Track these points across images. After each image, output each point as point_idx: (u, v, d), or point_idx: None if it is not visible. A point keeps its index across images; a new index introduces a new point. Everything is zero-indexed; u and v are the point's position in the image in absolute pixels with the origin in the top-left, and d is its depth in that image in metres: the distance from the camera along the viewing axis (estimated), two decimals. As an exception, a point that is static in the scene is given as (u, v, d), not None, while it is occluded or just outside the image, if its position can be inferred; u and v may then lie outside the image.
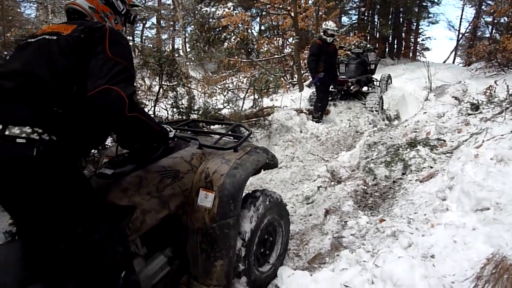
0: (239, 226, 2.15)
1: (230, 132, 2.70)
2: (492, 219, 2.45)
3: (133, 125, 1.51)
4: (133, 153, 1.96)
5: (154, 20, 26.36)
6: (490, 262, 2.14)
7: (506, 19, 12.02)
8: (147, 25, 26.95)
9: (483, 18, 19.89)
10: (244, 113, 5.79)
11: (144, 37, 26.66)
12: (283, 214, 2.59)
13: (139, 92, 4.87)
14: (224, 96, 5.81)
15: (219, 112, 5.27)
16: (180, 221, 2.08)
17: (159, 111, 4.57)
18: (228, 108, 5.41)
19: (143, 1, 25.66)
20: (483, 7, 19.47)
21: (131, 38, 25.79)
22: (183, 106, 4.59)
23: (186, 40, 20.84)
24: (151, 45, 24.70)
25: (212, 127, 4.28)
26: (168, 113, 4.58)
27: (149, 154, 1.98)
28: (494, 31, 21.12)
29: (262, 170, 2.50)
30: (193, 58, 17.76)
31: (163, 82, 4.58)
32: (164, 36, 26.23)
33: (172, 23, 24.46)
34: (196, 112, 4.71)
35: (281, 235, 2.60)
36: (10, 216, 1.72)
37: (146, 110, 4.58)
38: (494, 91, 5.30)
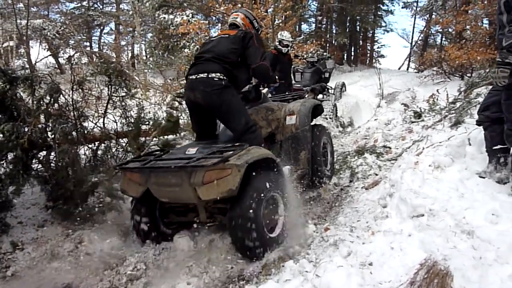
0: (311, 134, 3.93)
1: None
2: (426, 225, 2.57)
3: (270, 76, 3.53)
4: (252, 98, 3.92)
5: (113, 25, 25.83)
6: (423, 267, 2.24)
7: (453, 27, 12.67)
8: (105, 31, 26.35)
9: (432, 28, 20.91)
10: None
11: (102, 43, 26.08)
12: (331, 138, 4.54)
13: (87, 103, 4.73)
14: (178, 106, 5.75)
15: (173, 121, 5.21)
16: (275, 137, 3.90)
17: (108, 123, 4.46)
18: (182, 119, 5.36)
19: (101, 6, 25.15)
20: (433, 16, 20.51)
21: (88, 44, 25.20)
22: (132, 117, 4.50)
23: (145, 46, 20.53)
24: (109, 52, 24.33)
25: None
26: (117, 125, 4.48)
27: (258, 100, 3.96)
28: (443, 39, 22.34)
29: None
30: (151, 66, 17.54)
31: (112, 93, 4.47)
32: (123, 43, 25.75)
33: (131, 29, 24.00)
34: (146, 123, 4.64)
35: (331, 150, 4.41)
36: (200, 118, 3.44)
37: (94, 121, 4.49)
38: (437, 99, 5.59)
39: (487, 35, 10.03)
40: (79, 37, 21.05)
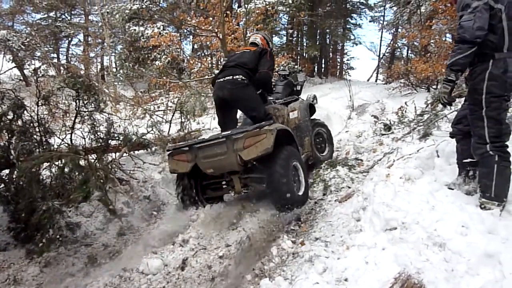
0: (310, 124, 5.03)
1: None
2: (399, 238, 2.59)
3: (269, 84, 4.56)
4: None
5: (81, 37, 25.29)
6: (397, 281, 2.25)
7: (418, 41, 13.15)
8: (73, 42, 25.73)
9: (398, 41, 21.65)
10: (170, 137, 5.67)
11: (70, 55, 25.42)
12: (326, 127, 5.64)
13: (54, 118, 4.57)
14: (149, 119, 5.65)
15: (144, 137, 5.10)
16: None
17: (76, 140, 4.31)
18: (152, 133, 5.26)
19: (69, 17, 24.57)
20: (399, 30, 21.25)
21: (55, 55, 24.51)
22: (101, 132, 4.37)
23: (115, 58, 20.20)
24: (77, 64, 23.74)
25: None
26: (85, 141, 4.34)
27: (265, 102, 4.82)
28: (409, 52, 23.15)
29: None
30: (121, 78, 17.26)
31: (80, 109, 4.34)
32: (92, 54, 25.20)
33: (100, 40, 23.56)
34: (116, 139, 4.52)
35: (326, 137, 5.53)
36: (225, 112, 4.48)
37: (60, 137, 4.33)
38: (405, 111, 5.73)
39: (450, 49, 10.47)
40: (46, 49, 20.45)
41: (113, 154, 4.63)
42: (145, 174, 4.77)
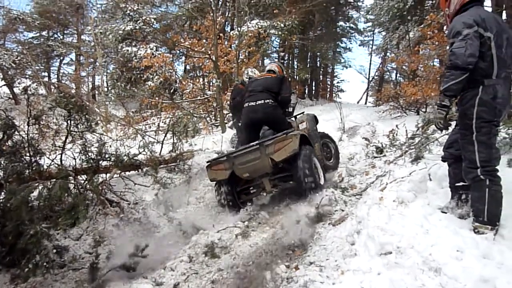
0: (317, 133, 5.80)
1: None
2: (394, 263, 2.56)
3: (289, 106, 5.58)
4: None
5: (73, 56, 25.30)
6: (393, 307, 2.22)
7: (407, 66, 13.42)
8: (65, 61, 25.72)
9: (388, 65, 22.11)
10: (162, 158, 5.63)
11: (61, 74, 25.35)
12: (332, 140, 6.33)
13: (44, 138, 4.51)
14: (141, 140, 5.60)
15: (135, 158, 5.05)
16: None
17: (66, 160, 4.24)
18: (144, 154, 5.21)
19: (61, 36, 24.64)
20: (388, 54, 21.71)
21: (46, 74, 24.44)
22: (92, 153, 4.32)
23: (107, 78, 20.21)
24: (68, 83, 23.69)
25: None
26: (76, 162, 4.27)
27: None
28: (398, 75, 23.61)
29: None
30: (113, 98, 17.23)
31: (71, 129, 4.29)
32: (84, 74, 25.21)
33: (92, 60, 23.60)
34: (107, 159, 4.46)
35: (333, 148, 6.18)
36: (253, 131, 5.18)
37: (51, 158, 4.26)
38: (396, 134, 5.79)
39: (438, 73, 10.72)
40: (37, 67, 20.42)
41: (104, 175, 4.55)
42: (136, 195, 4.70)
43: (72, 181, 4.13)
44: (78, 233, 3.81)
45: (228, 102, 8.56)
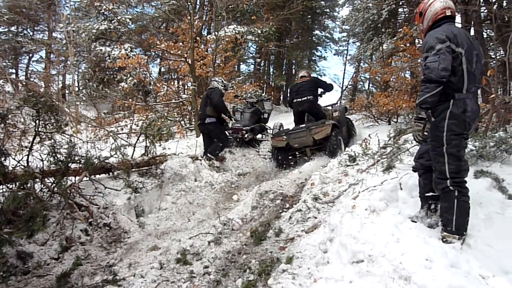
0: (345, 119, 8.43)
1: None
2: (366, 271, 2.59)
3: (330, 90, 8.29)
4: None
5: (43, 53, 24.49)
6: (364, 316, 2.24)
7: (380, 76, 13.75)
8: (34, 59, 24.86)
9: (361, 75, 22.60)
10: (134, 161, 5.50)
11: (30, 71, 24.47)
12: (353, 124, 9.08)
13: (10, 138, 4.31)
14: (113, 142, 5.46)
15: (106, 160, 4.91)
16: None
17: (33, 161, 4.06)
18: (115, 157, 5.07)
19: (31, 33, 23.81)
20: (361, 64, 22.20)
21: (13, 71, 23.54)
22: (61, 154, 4.16)
23: (78, 78, 19.67)
24: (37, 81, 22.87)
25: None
26: (43, 163, 4.10)
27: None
28: (371, 85, 24.15)
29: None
30: (84, 98, 16.77)
31: (39, 129, 4.13)
32: (54, 72, 24.41)
33: (63, 58, 22.90)
34: (77, 162, 4.31)
35: (354, 126, 9.09)
36: (301, 118, 8.00)
37: (16, 159, 4.07)
38: (369, 144, 5.90)
39: (410, 85, 11.05)
40: (4, 64, 19.63)
41: (73, 178, 4.39)
42: (106, 199, 4.54)
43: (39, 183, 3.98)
44: (44, 238, 3.65)
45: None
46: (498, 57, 6.80)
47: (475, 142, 4.25)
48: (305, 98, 7.47)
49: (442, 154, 2.73)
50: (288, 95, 10.14)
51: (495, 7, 7.66)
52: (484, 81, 4.99)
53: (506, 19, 6.74)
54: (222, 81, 7.79)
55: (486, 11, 8.21)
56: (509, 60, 5.31)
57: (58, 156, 4.20)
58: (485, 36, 9.09)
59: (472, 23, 8.12)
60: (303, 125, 7.26)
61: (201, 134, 7.83)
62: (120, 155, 5.13)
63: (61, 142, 4.30)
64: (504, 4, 7.63)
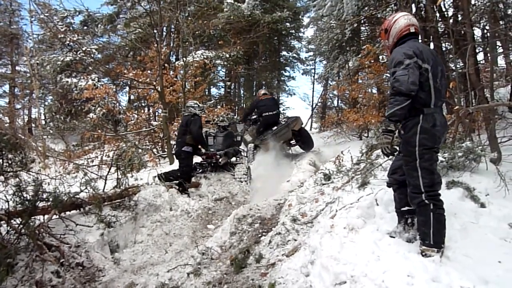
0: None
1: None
2: (349, 292, 2.58)
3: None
4: None
5: (6, 88, 23.72)
6: None
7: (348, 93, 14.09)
8: (-3, 93, 24.05)
9: (330, 93, 23.08)
10: (106, 194, 5.32)
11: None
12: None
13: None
14: (83, 176, 5.27)
15: (76, 196, 4.72)
16: None
17: (-3, 203, 3.85)
18: (86, 192, 4.89)
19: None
20: (329, 82, 22.71)
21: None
22: (28, 193, 3.96)
23: (44, 111, 19.14)
24: (1, 116, 22.05)
25: None
26: (9, 204, 3.89)
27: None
28: (340, 102, 24.67)
29: None
30: (51, 131, 16.28)
31: (3, 168, 3.94)
32: (18, 106, 23.65)
33: (28, 91, 22.28)
34: (45, 200, 4.12)
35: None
36: (270, 126, 9.78)
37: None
38: (342, 160, 5.97)
39: (377, 100, 11.37)
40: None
41: (42, 217, 4.18)
42: (78, 237, 4.33)
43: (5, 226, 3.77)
44: (12, 284, 3.42)
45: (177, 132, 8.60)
46: (458, 69, 7.10)
47: (444, 153, 4.37)
48: (276, 112, 9.69)
49: (415, 168, 2.78)
50: (251, 109, 10.55)
51: (451, 21, 8.05)
52: (448, 93, 5.19)
53: (463, 32, 7.07)
54: (198, 105, 7.60)
55: (443, 26, 8.62)
56: (469, 72, 5.55)
57: (25, 195, 4.00)
58: (444, 49, 9.51)
59: (431, 37, 8.50)
60: (281, 124, 9.56)
61: (175, 160, 7.73)
62: (91, 189, 4.94)
63: (27, 180, 4.11)
64: (460, 18, 8.02)
